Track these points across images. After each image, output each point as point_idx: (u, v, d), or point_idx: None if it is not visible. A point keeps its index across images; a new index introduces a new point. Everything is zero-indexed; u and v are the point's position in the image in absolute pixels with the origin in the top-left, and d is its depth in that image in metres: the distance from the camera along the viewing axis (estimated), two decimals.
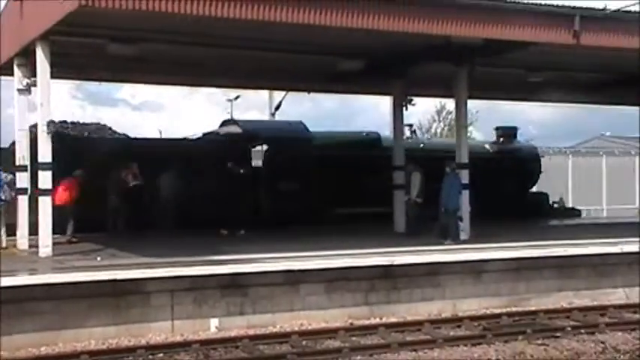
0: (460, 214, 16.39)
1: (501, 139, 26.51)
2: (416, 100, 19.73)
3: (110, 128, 23.96)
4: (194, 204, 18.11)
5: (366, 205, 20.80)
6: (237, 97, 39.05)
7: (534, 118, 73.65)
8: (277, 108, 31.76)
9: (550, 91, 23.21)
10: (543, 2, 14.21)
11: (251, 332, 11.29)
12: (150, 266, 11.63)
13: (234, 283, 11.75)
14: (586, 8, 14.35)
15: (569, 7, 14.28)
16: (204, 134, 22.84)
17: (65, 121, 22.82)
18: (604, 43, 14.85)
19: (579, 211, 28.07)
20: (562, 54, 16.77)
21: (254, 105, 76.92)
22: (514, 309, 13.13)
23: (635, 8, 14.39)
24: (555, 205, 27.33)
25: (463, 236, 16.27)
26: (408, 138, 23.61)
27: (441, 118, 51.76)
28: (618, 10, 14.18)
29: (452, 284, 13.30)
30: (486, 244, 14.83)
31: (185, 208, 17.98)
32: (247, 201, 18.38)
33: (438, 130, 48.71)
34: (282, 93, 29.97)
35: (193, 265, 11.82)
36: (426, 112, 52.29)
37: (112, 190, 17.31)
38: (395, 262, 12.88)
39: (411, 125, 24.96)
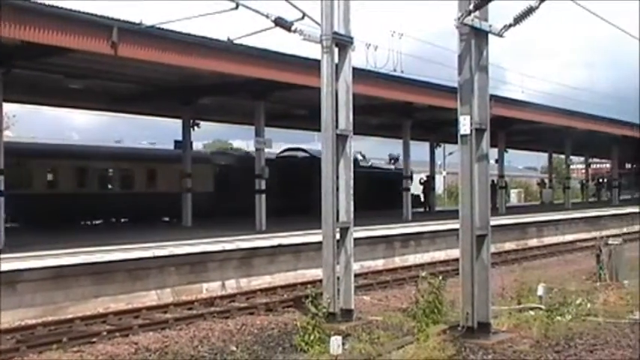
0: None
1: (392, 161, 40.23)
2: None
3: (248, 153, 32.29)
4: None
5: None
6: None
7: (78, 125, 73.42)
8: None
9: (91, 98, 23.43)
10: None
11: None
12: None
13: None
14: (125, 21, 14.74)
15: (107, 17, 14.49)
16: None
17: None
18: (142, 56, 15.47)
19: None
20: (102, 63, 17.01)
21: None
22: (51, 318, 12.90)
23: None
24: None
25: None
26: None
27: None
28: (153, 26, 14.89)
29: None
30: (22, 253, 14.31)
31: None
32: None
33: None
34: None
35: None
36: None
37: None
38: None
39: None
